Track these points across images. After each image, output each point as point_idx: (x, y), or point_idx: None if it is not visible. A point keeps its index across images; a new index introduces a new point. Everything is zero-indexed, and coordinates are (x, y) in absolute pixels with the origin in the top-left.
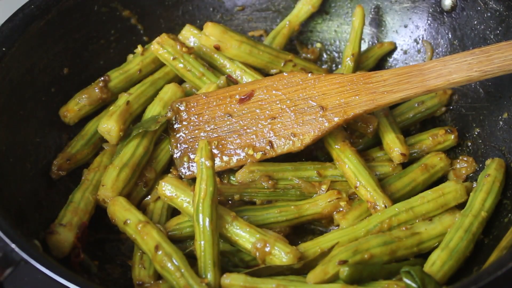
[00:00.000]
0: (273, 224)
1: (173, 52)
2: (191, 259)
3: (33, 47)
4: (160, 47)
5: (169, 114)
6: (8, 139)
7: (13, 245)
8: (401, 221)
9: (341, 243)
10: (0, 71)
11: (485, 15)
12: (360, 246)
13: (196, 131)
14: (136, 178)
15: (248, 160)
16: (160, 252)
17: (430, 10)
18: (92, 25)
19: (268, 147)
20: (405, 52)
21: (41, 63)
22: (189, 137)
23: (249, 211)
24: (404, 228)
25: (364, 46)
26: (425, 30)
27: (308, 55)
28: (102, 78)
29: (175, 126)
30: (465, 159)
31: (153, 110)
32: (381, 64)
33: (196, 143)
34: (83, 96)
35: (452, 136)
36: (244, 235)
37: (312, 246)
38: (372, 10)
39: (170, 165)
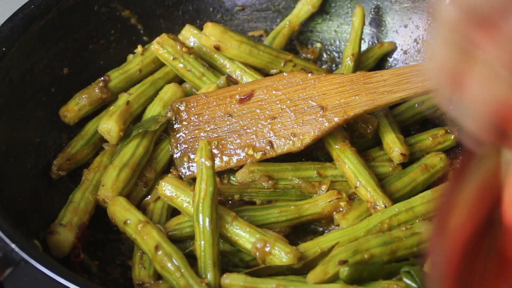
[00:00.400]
0: (273, 224)
1: (173, 52)
2: (191, 259)
3: (33, 47)
4: (160, 47)
5: (169, 114)
6: (8, 139)
7: (13, 245)
8: (401, 221)
9: (341, 243)
10: (0, 71)
11: None
12: (360, 246)
13: (196, 131)
14: (136, 178)
15: (248, 160)
16: (160, 252)
17: (430, 10)
18: (92, 25)
19: (268, 147)
20: (405, 52)
21: (41, 63)
22: (189, 137)
23: (249, 211)
24: (404, 228)
25: (364, 46)
26: (425, 30)
27: (308, 55)
28: (102, 78)
29: (175, 126)
30: None
31: (153, 110)
32: (381, 64)
33: (196, 143)
34: (83, 96)
35: (452, 136)
36: (244, 235)
37: (312, 246)
38: (372, 10)
39: (170, 165)
